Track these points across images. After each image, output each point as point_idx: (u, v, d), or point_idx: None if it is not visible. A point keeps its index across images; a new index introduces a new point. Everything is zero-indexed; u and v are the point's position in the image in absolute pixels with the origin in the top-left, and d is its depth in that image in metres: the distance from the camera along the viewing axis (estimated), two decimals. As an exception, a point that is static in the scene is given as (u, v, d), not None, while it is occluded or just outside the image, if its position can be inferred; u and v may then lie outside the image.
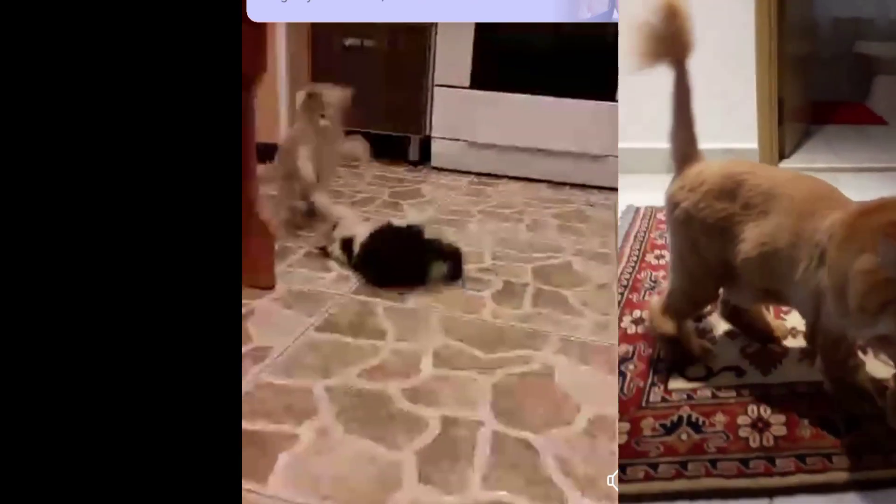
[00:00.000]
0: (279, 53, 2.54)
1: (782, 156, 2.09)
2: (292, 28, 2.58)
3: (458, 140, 2.81)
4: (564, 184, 2.74)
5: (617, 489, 0.92)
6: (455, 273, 1.62)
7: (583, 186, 2.71)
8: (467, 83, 2.71)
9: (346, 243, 1.68)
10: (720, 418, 1.01)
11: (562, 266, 1.81)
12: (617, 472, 0.94)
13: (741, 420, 1.01)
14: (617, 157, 2.50)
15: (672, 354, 1.14)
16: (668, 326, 1.13)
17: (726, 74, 1.97)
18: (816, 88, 2.72)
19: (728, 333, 1.22)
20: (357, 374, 1.18)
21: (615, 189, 2.50)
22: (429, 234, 1.69)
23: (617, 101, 2.53)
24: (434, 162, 2.87)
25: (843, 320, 0.89)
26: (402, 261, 1.59)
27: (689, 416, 1.02)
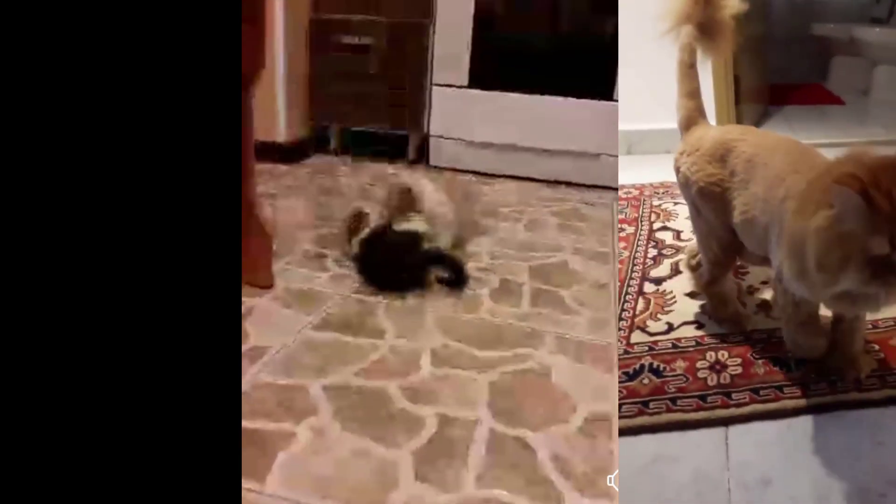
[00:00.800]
0: (277, 52, 2.53)
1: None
2: (290, 26, 2.57)
3: (456, 139, 2.81)
4: (563, 183, 2.74)
5: (617, 489, 0.92)
6: (456, 281, 1.58)
7: (581, 186, 2.71)
8: (466, 82, 2.71)
9: (355, 218, 1.68)
10: (680, 364, 1.07)
11: (560, 265, 1.81)
12: (617, 471, 0.95)
13: (700, 364, 1.07)
14: (616, 156, 2.50)
15: (711, 309, 1.20)
16: (695, 283, 1.21)
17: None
18: (774, 71, 2.71)
19: (689, 294, 1.28)
20: (355, 373, 1.19)
21: (614, 188, 2.50)
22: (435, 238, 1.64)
23: (616, 101, 2.53)
24: (432, 161, 2.87)
25: (803, 282, 0.89)
26: (395, 268, 1.55)
27: (651, 364, 1.08)
